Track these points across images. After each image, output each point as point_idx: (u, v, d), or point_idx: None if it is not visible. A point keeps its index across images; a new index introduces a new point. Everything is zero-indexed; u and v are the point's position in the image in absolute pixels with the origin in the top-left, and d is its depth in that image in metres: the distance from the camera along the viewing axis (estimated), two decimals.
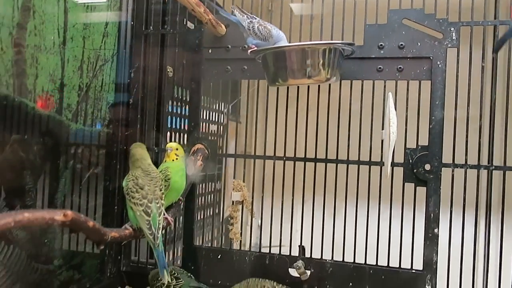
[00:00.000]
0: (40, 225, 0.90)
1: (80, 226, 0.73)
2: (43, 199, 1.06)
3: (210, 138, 1.40)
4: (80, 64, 1.16)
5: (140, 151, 1.01)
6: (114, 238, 0.87)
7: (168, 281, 1.03)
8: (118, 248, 1.32)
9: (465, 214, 1.09)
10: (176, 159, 1.07)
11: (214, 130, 1.47)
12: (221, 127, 1.51)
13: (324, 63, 1.02)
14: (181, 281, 1.10)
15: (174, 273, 1.12)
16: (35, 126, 1.01)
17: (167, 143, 1.11)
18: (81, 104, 1.17)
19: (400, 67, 1.13)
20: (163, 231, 1.06)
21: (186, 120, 1.34)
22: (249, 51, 1.08)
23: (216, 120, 1.51)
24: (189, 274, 1.18)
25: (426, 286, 1.09)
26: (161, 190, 0.96)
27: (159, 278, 1.09)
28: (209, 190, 1.41)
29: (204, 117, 1.37)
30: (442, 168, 1.09)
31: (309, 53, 1.00)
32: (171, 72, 1.37)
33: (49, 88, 1.04)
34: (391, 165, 1.08)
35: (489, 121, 1.09)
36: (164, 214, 1.03)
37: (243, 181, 1.26)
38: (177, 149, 1.09)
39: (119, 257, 1.33)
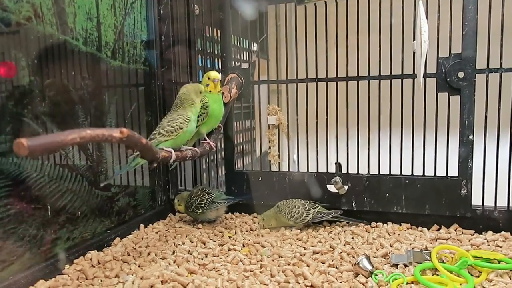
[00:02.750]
0: (100, 141, 0.98)
1: (135, 142, 0.81)
2: None
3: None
4: (112, 2, 1.19)
5: (181, 92, 1.09)
6: (164, 158, 0.95)
7: (201, 195, 1.20)
8: (166, 179, 1.42)
9: (500, 122, 1.09)
10: (220, 91, 1.14)
11: (246, 66, 1.50)
12: (251, 63, 1.53)
13: None
14: (213, 195, 1.20)
15: (205, 189, 1.22)
16: (81, 63, 1.07)
17: (209, 72, 1.15)
18: (117, 42, 1.21)
19: None
20: (203, 149, 1.14)
21: (216, 59, 1.37)
22: None
23: (246, 58, 1.53)
24: (219, 190, 1.28)
25: (462, 191, 1.12)
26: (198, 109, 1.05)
27: (192, 196, 1.19)
28: (246, 121, 1.46)
29: (234, 56, 1.40)
30: (477, 75, 1.09)
31: None
32: (198, 10, 1.39)
33: (88, 27, 1.09)
34: (424, 76, 1.10)
35: None
36: (206, 139, 1.10)
37: (278, 106, 1.30)
38: (220, 79, 1.14)
39: (167, 187, 1.43)
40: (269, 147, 1.29)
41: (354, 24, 1.18)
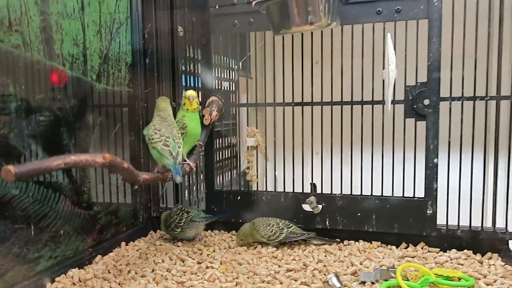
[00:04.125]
0: (84, 166, 1.03)
1: (117, 167, 0.85)
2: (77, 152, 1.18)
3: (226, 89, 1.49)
4: (98, 28, 1.24)
5: (162, 104, 1.14)
6: (145, 180, 1.00)
7: (180, 214, 1.25)
8: (148, 196, 1.46)
9: (462, 146, 1.17)
10: (196, 109, 1.19)
11: (226, 87, 1.56)
12: (233, 83, 1.60)
13: (324, 9, 1.08)
14: (192, 213, 1.25)
15: (184, 209, 1.27)
16: (67, 87, 1.12)
17: (185, 91, 1.21)
18: (103, 65, 1.26)
19: (398, 8, 1.18)
20: (183, 171, 1.18)
21: (199, 78, 1.43)
22: (253, 3, 1.15)
23: (228, 77, 1.60)
24: (198, 208, 1.33)
25: (428, 211, 1.19)
26: (178, 133, 1.09)
27: (172, 215, 1.24)
28: (227, 140, 1.52)
29: (216, 75, 1.46)
30: (441, 102, 1.17)
31: (309, 1, 1.06)
32: (182, 32, 1.45)
33: (74, 52, 1.14)
34: (392, 103, 1.18)
35: (486, 55, 1.15)
36: (186, 160, 1.16)
37: (256, 128, 1.36)
38: (196, 97, 1.20)
39: (149, 205, 1.47)
40: (248, 168, 1.34)
41: (328, 53, 1.26)
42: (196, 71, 1.44)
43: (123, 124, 1.37)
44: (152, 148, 1.07)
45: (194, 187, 1.46)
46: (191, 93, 1.18)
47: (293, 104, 1.31)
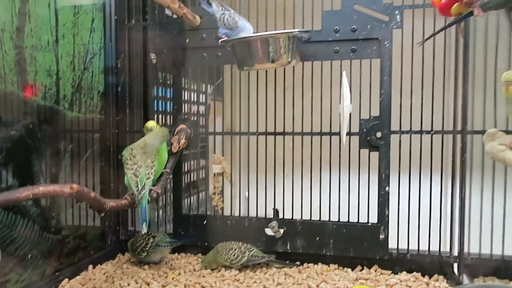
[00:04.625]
0: (52, 196, 1.07)
1: (84, 196, 0.91)
2: (48, 179, 1.22)
3: (195, 118, 1.56)
4: (72, 59, 1.30)
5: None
6: (112, 207, 1.05)
7: (146, 239, 1.29)
8: (116, 220, 1.50)
9: (411, 176, 1.27)
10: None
11: (200, 110, 1.63)
12: (205, 107, 1.67)
13: (284, 49, 1.18)
14: (158, 238, 1.30)
15: (151, 233, 1.32)
16: (39, 116, 1.17)
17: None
18: (75, 94, 1.32)
19: (353, 48, 1.29)
20: (151, 197, 1.23)
21: (171, 103, 1.50)
22: (219, 40, 1.23)
23: (201, 100, 1.67)
24: (164, 233, 1.38)
25: (380, 236, 1.28)
26: (152, 162, 1.14)
27: (138, 240, 1.29)
28: (195, 165, 1.58)
29: (189, 99, 1.53)
30: (392, 135, 1.27)
31: (270, 41, 1.16)
32: (154, 59, 1.52)
33: (47, 82, 1.20)
34: (348, 134, 1.27)
35: (431, 91, 1.26)
36: (153, 185, 1.21)
37: (223, 155, 1.43)
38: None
39: (117, 228, 1.51)
40: (214, 193, 1.41)
41: (290, 86, 1.35)
42: (169, 96, 1.51)
43: (94, 150, 1.42)
44: (125, 174, 1.13)
45: (161, 210, 1.51)
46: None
47: (257, 133, 1.39)
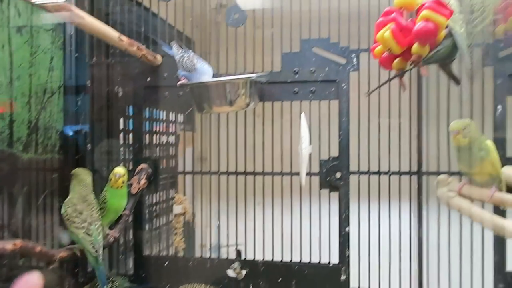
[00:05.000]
0: None
1: (28, 251, 0.88)
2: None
3: (162, 150, 1.54)
4: (28, 100, 1.28)
5: (86, 179, 1.16)
6: (62, 257, 1.02)
7: None
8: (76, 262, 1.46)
9: (371, 218, 1.28)
10: (122, 186, 1.22)
11: (170, 141, 1.62)
12: (175, 137, 1.66)
13: (242, 93, 1.18)
14: (117, 282, 1.26)
15: (110, 278, 1.28)
16: None
17: (114, 168, 1.24)
18: (31, 135, 1.29)
19: (312, 89, 1.31)
20: (107, 243, 1.20)
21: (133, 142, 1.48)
22: (178, 83, 1.23)
23: (171, 130, 1.65)
24: (122, 276, 1.34)
25: (341, 277, 1.28)
26: (97, 213, 1.11)
27: (96, 284, 1.25)
28: (158, 204, 1.56)
29: (157, 130, 1.51)
30: (351, 175, 1.28)
31: (228, 86, 1.16)
32: (121, 92, 1.50)
33: (0, 125, 1.17)
34: (308, 175, 1.28)
35: (388, 133, 1.28)
36: (107, 232, 1.18)
37: (185, 195, 1.41)
38: (124, 175, 1.23)
39: (76, 270, 1.46)
40: (175, 234, 1.38)
41: (251, 126, 1.35)
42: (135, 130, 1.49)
43: (53, 191, 1.38)
44: (71, 232, 1.08)
45: (122, 255, 1.47)
46: (118, 170, 1.22)
47: (219, 173, 1.39)
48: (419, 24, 0.77)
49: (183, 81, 1.22)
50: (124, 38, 1.16)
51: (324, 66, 1.29)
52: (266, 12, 1.34)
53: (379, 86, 0.93)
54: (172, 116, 1.65)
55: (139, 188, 1.33)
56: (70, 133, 1.45)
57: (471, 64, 0.80)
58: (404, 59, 0.85)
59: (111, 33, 1.10)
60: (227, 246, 1.46)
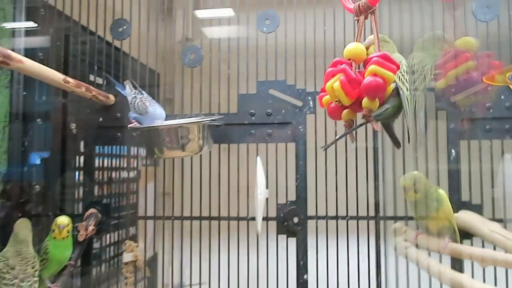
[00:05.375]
0: None
1: None
2: None
3: (122, 187, 1.46)
4: None
5: (23, 232, 1.08)
6: None
7: None
8: None
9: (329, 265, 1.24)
10: (67, 236, 1.14)
11: (129, 176, 1.54)
12: (136, 172, 1.60)
13: (195, 137, 1.14)
14: None
15: None
16: None
17: (57, 218, 1.17)
18: None
19: (269, 132, 1.28)
20: None
21: (82, 185, 1.40)
22: (128, 125, 1.18)
23: (132, 166, 1.58)
24: None
25: None
26: (33, 268, 1.03)
27: None
28: (107, 251, 1.47)
29: (117, 165, 1.44)
30: (309, 220, 1.25)
31: (179, 130, 1.12)
32: (75, 129, 1.43)
33: None
34: (265, 219, 1.23)
35: (345, 177, 1.26)
36: (48, 285, 1.10)
37: (135, 242, 1.34)
38: (68, 224, 1.15)
39: None
40: (125, 284, 1.30)
41: (206, 168, 1.31)
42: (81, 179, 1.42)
43: None
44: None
45: None
46: (62, 220, 1.14)
47: (173, 218, 1.33)
48: (368, 79, 0.75)
49: (133, 124, 1.17)
50: (71, 80, 1.11)
51: (281, 108, 1.28)
52: (222, 54, 1.32)
53: (335, 141, 0.90)
54: (133, 151, 1.58)
55: (86, 235, 1.25)
56: (15, 176, 1.37)
57: (415, 126, 0.79)
58: (353, 110, 0.83)
59: (55, 75, 1.05)
60: (190, 285, 1.38)
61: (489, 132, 1.17)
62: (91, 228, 1.27)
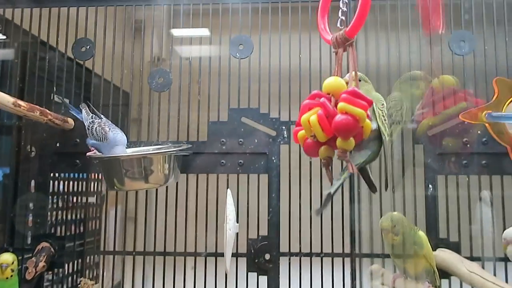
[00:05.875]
0: None
1: None
2: None
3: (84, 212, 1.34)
4: None
5: None
6: None
7: None
8: None
9: None
10: (11, 276, 1.02)
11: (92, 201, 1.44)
12: (100, 197, 1.49)
13: (160, 168, 1.05)
14: None
15: None
16: None
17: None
18: None
19: (240, 162, 1.21)
20: None
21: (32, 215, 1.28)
22: (87, 154, 1.08)
23: (95, 190, 1.48)
24: None
25: None
26: None
27: None
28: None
29: (76, 190, 1.34)
30: (281, 257, 1.17)
31: (143, 160, 1.03)
32: (34, 152, 1.31)
33: None
34: (235, 256, 1.15)
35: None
36: None
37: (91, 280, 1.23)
38: (13, 262, 1.04)
39: None
40: None
41: (173, 200, 1.22)
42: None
43: None
44: None
45: None
46: (5, 258, 1.02)
47: (134, 253, 1.22)
48: (338, 118, 0.69)
49: (92, 152, 1.07)
50: (22, 103, 1.01)
51: (253, 137, 1.21)
52: (194, 76, 1.25)
53: (325, 204, 0.83)
54: (96, 174, 1.47)
55: (35, 273, 1.13)
56: None
57: (392, 171, 0.74)
58: (331, 147, 0.77)
59: (3, 98, 0.94)
60: None
61: (466, 167, 1.14)
62: (41, 264, 1.15)
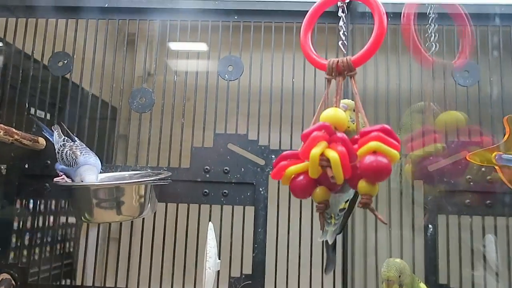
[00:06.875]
0: None
1: None
2: None
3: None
4: None
5: None
6: None
7: None
8: None
9: None
10: None
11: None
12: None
13: (134, 199, 0.95)
14: None
15: None
16: None
17: None
18: None
19: (225, 192, 1.11)
20: None
21: None
22: (54, 179, 0.98)
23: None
24: None
25: None
26: None
27: None
28: None
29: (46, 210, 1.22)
30: None
31: (115, 190, 0.93)
32: (4, 169, 1.20)
33: None
34: None
35: (309, 248, 1.10)
36: None
37: None
38: None
39: None
40: None
41: (149, 232, 1.11)
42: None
43: None
44: None
45: None
46: None
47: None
48: (371, 159, 0.59)
49: (60, 178, 0.97)
50: None
51: (240, 166, 1.12)
52: (178, 99, 1.16)
53: (332, 259, 0.73)
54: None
55: None
56: None
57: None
58: (328, 189, 0.67)
59: None
60: None
61: (469, 207, 1.05)
62: None
